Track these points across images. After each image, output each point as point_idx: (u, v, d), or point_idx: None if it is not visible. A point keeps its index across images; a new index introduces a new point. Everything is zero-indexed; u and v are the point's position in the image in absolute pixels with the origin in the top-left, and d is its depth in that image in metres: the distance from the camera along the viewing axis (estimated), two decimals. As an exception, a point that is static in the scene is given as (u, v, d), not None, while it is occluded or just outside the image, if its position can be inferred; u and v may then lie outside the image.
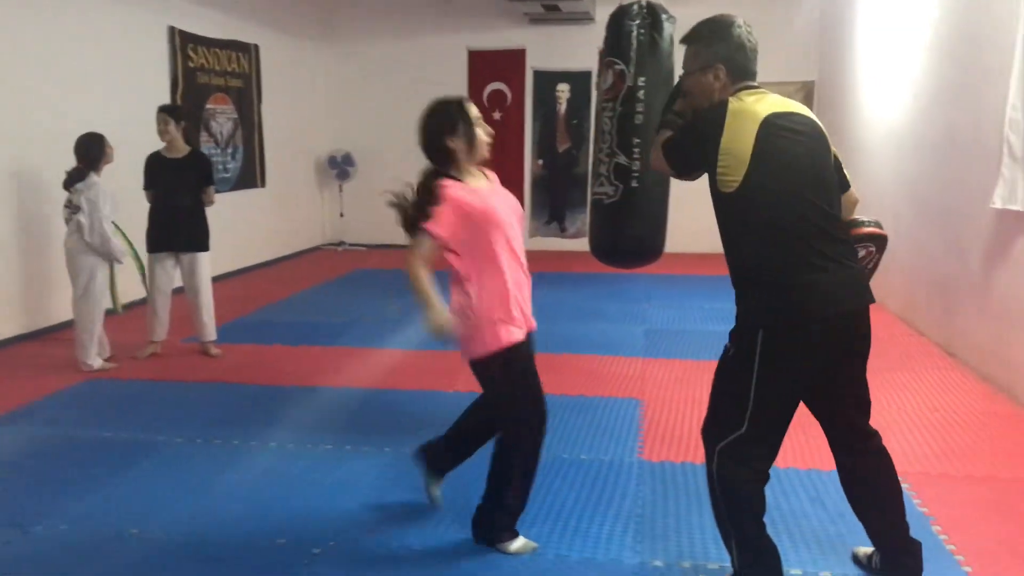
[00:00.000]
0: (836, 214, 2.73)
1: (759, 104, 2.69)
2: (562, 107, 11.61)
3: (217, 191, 7.97)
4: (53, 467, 4.18)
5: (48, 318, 6.83)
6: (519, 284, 3.23)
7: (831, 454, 3.00)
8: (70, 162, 5.75)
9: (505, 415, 3.30)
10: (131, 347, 6.19)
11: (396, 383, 5.55)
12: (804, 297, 2.61)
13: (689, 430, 4.67)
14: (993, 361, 5.27)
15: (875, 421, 2.97)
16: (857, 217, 2.94)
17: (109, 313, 6.04)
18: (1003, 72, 5.28)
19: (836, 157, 2.83)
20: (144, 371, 5.85)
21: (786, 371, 2.68)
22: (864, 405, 2.91)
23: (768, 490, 2.83)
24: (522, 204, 11.64)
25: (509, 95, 11.73)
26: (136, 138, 6.64)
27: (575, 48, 11.28)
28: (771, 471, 2.80)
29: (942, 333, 6.29)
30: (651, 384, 5.54)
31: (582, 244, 11.74)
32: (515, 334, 3.16)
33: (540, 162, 11.70)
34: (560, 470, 4.10)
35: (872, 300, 2.75)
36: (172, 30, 8.54)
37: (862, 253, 2.88)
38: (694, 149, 2.81)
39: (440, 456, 3.64)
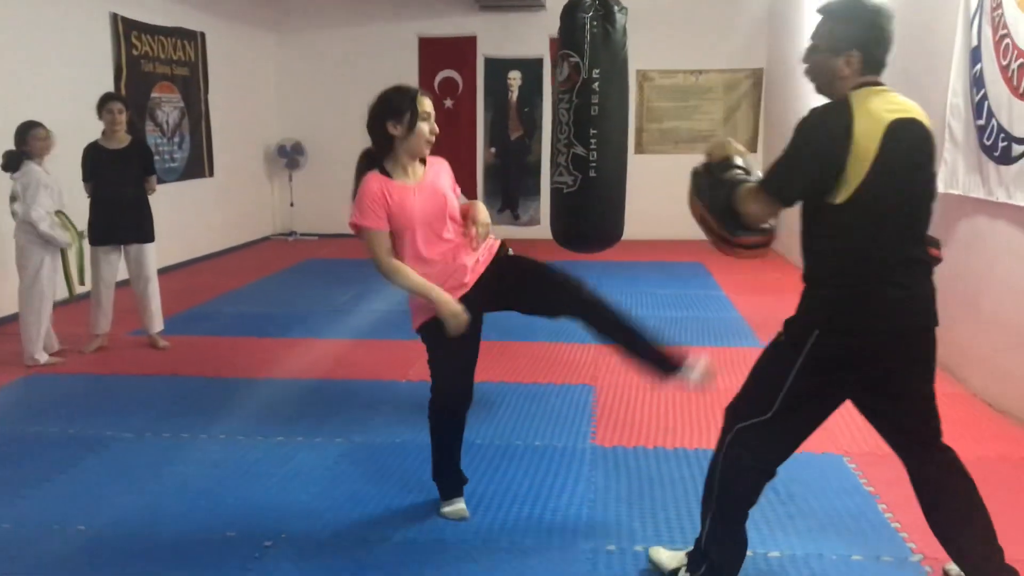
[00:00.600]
0: (924, 233, 2.59)
1: (881, 106, 2.47)
2: (514, 95, 11.59)
3: (164, 181, 7.82)
4: (-5, 464, 4.09)
5: (-9, 311, 6.68)
6: (445, 274, 3.27)
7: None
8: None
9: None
10: (76, 341, 6.06)
11: (347, 373, 5.52)
12: (870, 310, 2.52)
13: (641, 415, 4.71)
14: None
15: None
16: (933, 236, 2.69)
17: (62, 303, 5.92)
18: (946, 59, 5.38)
19: None
20: (90, 365, 5.74)
21: (827, 378, 2.62)
22: (921, 424, 2.73)
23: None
24: (475, 193, 11.66)
25: (460, 83, 11.68)
26: (79, 128, 6.48)
27: (526, 35, 11.27)
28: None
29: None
30: (604, 370, 5.57)
31: (535, 232, 11.79)
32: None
33: (492, 150, 11.68)
34: (513, 457, 4.11)
35: (936, 323, 2.65)
36: (115, 17, 8.36)
37: None
38: (815, 163, 2.50)
39: None
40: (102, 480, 3.89)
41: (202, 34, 10.10)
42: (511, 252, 3.49)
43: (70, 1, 7.69)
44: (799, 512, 3.52)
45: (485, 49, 11.56)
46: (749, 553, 2.91)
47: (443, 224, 3.28)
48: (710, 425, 4.55)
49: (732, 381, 5.23)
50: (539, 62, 11.37)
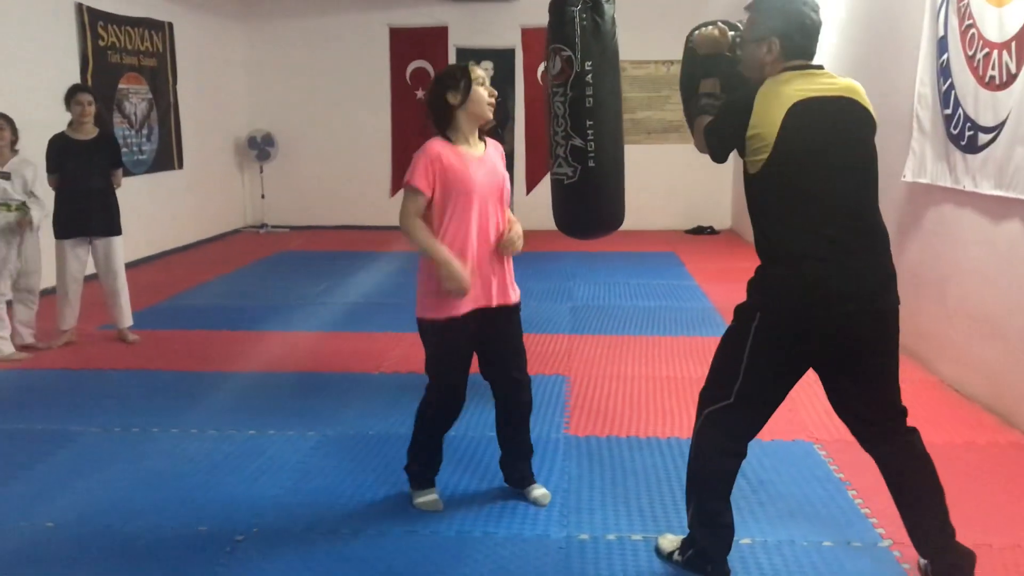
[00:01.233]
0: (866, 205, 2.67)
1: (793, 86, 2.62)
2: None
3: (133, 174, 7.73)
4: (-39, 461, 4.03)
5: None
6: (483, 259, 3.28)
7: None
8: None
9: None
10: (44, 336, 5.98)
11: (320, 365, 5.49)
12: (807, 287, 2.59)
13: (614, 405, 4.73)
14: (903, 329, 5.42)
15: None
16: None
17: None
18: (914, 49, 5.43)
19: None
20: (59, 360, 5.67)
21: (777, 356, 2.69)
22: (881, 406, 2.79)
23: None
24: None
25: (432, 74, 11.62)
26: (44, 120, 6.39)
27: (498, 26, 11.24)
28: None
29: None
30: (577, 360, 5.58)
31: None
32: (454, 308, 3.23)
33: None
34: (487, 448, 4.11)
35: (893, 302, 2.70)
36: (80, 7, 8.23)
37: None
38: (725, 131, 2.78)
39: None
40: (70, 475, 3.84)
41: (170, 24, 9.98)
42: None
43: (34, -9, 7.57)
44: (770, 499, 3.55)
45: (456, 39, 11.51)
46: (721, 540, 2.94)
47: (499, 204, 3.33)
48: (682, 414, 4.58)
49: (702, 371, 5.26)
50: (511, 52, 11.35)
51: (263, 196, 12.00)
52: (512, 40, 11.22)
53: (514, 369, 3.47)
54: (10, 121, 5.62)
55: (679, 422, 4.45)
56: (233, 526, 3.35)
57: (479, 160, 3.29)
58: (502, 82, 11.48)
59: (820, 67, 2.73)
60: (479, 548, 3.19)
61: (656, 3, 11.01)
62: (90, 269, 6.04)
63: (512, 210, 3.54)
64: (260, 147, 11.65)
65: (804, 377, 2.80)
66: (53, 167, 5.83)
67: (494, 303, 3.34)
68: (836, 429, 4.18)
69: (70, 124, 5.86)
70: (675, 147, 11.62)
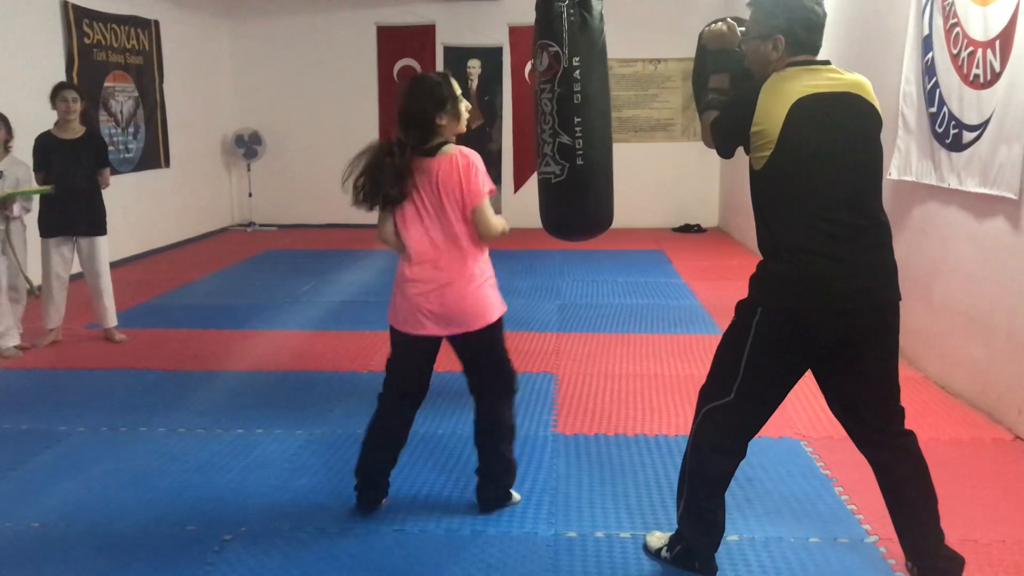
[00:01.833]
0: (868, 203, 2.66)
1: (798, 82, 2.62)
2: (474, 83, 11.54)
3: (119, 172, 7.69)
4: (-53, 462, 4.01)
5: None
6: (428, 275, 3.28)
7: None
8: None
9: None
10: (30, 335, 5.95)
11: (308, 364, 5.48)
12: (809, 283, 2.59)
13: (602, 402, 4.74)
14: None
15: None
16: None
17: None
18: (899, 47, 5.46)
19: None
20: (44, 359, 5.64)
21: (777, 354, 2.68)
22: (879, 405, 2.78)
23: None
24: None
25: (420, 71, 11.59)
26: (29, 118, 6.35)
27: (485, 24, 11.22)
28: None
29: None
30: (565, 358, 5.59)
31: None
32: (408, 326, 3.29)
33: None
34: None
35: (893, 298, 2.70)
36: (66, 5, 8.19)
37: None
38: (730, 127, 2.78)
39: None
40: (57, 475, 3.83)
41: (156, 22, 9.94)
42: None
43: (19, -11, 7.53)
44: (757, 496, 3.57)
45: (444, 38, 11.49)
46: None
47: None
48: (670, 411, 4.59)
49: (690, 368, 5.31)
50: (499, 51, 11.34)
51: (250, 194, 11.96)
52: (500, 38, 11.21)
53: (485, 387, 3.44)
54: (4, 119, 5.59)
55: (667, 419, 4.47)
56: (221, 525, 3.34)
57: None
58: (489, 81, 11.48)
59: (827, 62, 2.72)
60: (468, 546, 3.19)
61: (644, 2, 11.03)
62: (76, 268, 6.01)
63: (500, 211, 3.55)
64: (247, 145, 11.61)
65: (793, 374, 2.81)
66: (38, 166, 5.80)
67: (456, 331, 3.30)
68: (823, 426, 4.21)
69: (56, 123, 5.83)
70: (662, 145, 11.65)
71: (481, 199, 3.22)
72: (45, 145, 5.79)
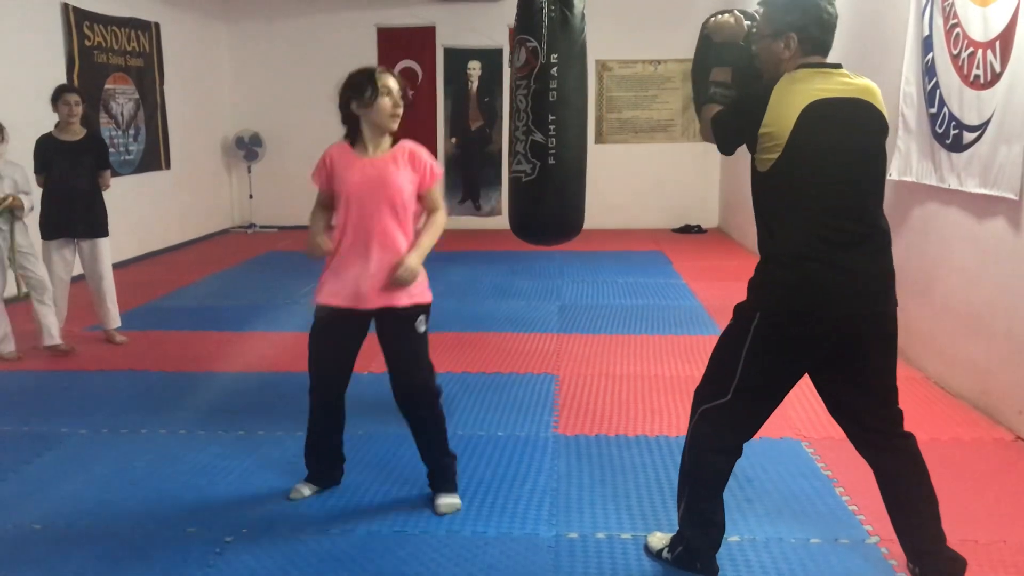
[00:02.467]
0: (871, 210, 2.66)
1: (810, 85, 2.59)
2: (474, 84, 11.56)
3: (120, 174, 7.68)
4: (-52, 464, 4.01)
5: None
6: (348, 262, 3.34)
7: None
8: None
9: None
10: (31, 337, 5.94)
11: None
12: (809, 289, 2.58)
13: (603, 403, 4.74)
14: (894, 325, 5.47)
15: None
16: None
17: (10, 301, 5.81)
18: (899, 48, 5.46)
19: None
20: (45, 361, 5.64)
21: (775, 358, 2.69)
22: (878, 408, 2.78)
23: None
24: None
25: (420, 73, 11.62)
26: (30, 120, 6.36)
27: (486, 25, 11.23)
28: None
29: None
30: (566, 359, 5.59)
31: (496, 222, 11.77)
32: (327, 298, 3.38)
33: (453, 140, 11.64)
34: (476, 447, 4.11)
35: (890, 304, 2.69)
36: (66, 7, 8.19)
37: None
38: (737, 125, 2.74)
39: None
40: (58, 477, 3.83)
41: (156, 24, 9.94)
42: (420, 327, 3.38)
43: (19, -9, 7.53)
44: (758, 496, 3.57)
45: (444, 39, 11.50)
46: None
47: (387, 209, 3.30)
48: (671, 412, 4.59)
49: (691, 369, 5.31)
50: (499, 52, 11.34)
51: (251, 196, 11.97)
52: (499, 40, 11.21)
53: (402, 379, 3.43)
54: None
55: (668, 420, 4.47)
56: (222, 527, 3.34)
57: (368, 164, 3.34)
58: (489, 81, 11.49)
59: (838, 65, 2.71)
60: (468, 547, 3.19)
61: (642, 2, 11.03)
62: (78, 270, 6.01)
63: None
64: (248, 147, 11.62)
65: (794, 375, 2.81)
66: (39, 168, 5.81)
67: (365, 305, 3.32)
68: (824, 427, 4.20)
69: (57, 125, 5.84)
70: (662, 146, 11.66)
71: None
72: (46, 147, 5.80)
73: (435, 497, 3.50)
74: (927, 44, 5.09)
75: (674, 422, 4.44)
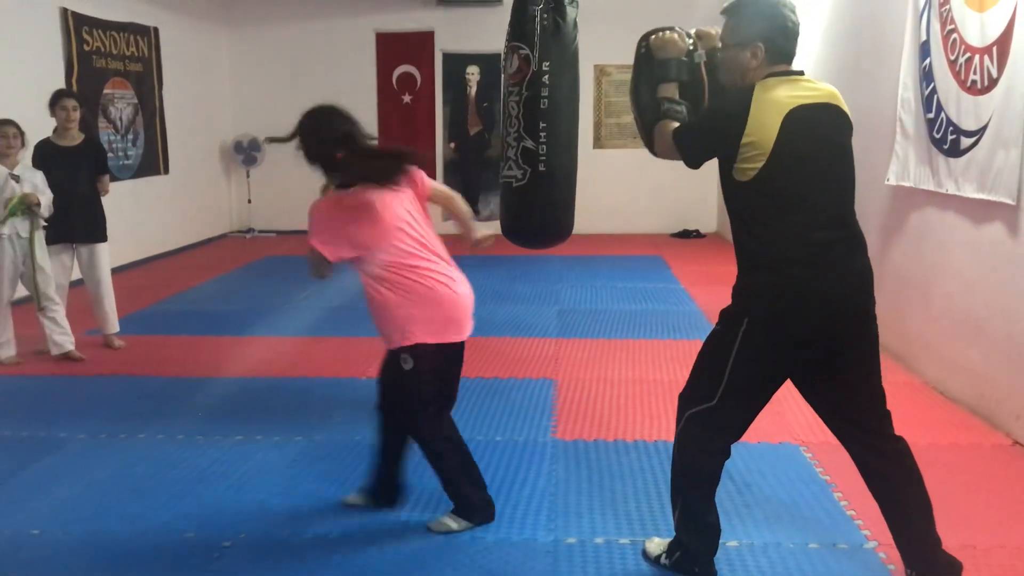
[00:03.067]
0: (846, 212, 2.69)
1: (786, 93, 2.62)
2: (472, 90, 11.58)
3: (118, 179, 7.68)
4: (-54, 469, 4.00)
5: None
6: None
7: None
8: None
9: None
10: (30, 342, 5.94)
11: (307, 371, 5.48)
12: (795, 293, 2.61)
13: (601, 408, 4.74)
14: (888, 331, 5.47)
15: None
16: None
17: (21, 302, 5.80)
18: (896, 53, 5.47)
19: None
20: (44, 366, 5.64)
21: (763, 362, 2.71)
22: (867, 409, 2.80)
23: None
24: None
25: (419, 78, 11.63)
26: (28, 125, 6.35)
27: (484, 30, 11.23)
28: None
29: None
30: (564, 364, 5.59)
31: (495, 227, 11.75)
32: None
33: (452, 145, 11.66)
34: (475, 452, 4.05)
35: (872, 303, 2.72)
36: (65, 12, 8.20)
37: None
38: (714, 137, 2.73)
39: None
40: (56, 483, 3.82)
41: (155, 29, 9.95)
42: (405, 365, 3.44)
43: (17, -5, 7.54)
44: (756, 501, 3.57)
45: (443, 44, 11.52)
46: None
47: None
48: (669, 417, 4.58)
49: (688, 374, 5.30)
50: (497, 57, 11.31)
51: (249, 201, 11.97)
52: (498, 45, 11.13)
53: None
54: (19, 128, 5.56)
55: (666, 425, 4.47)
56: (220, 532, 3.34)
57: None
58: (488, 86, 11.51)
59: (801, 72, 2.75)
60: (467, 552, 3.19)
61: (640, 6, 11.04)
62: (76, 275, 6.01)
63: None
64: (246, 152, 11.62)
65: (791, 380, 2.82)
66: (39, 173, 5.81)
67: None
68: (822, 432, 4.18)
69: (55, 130, 5.84)
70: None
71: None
72: (44, 152, 5.79)
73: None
74: (925, 49, 5.11)
75: (672, 427, 4.41)
